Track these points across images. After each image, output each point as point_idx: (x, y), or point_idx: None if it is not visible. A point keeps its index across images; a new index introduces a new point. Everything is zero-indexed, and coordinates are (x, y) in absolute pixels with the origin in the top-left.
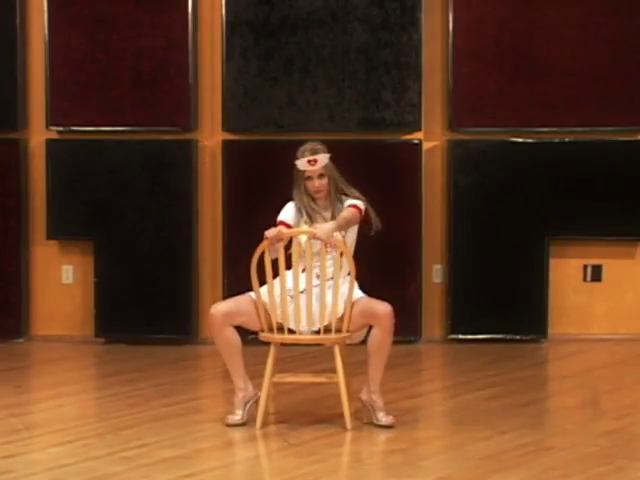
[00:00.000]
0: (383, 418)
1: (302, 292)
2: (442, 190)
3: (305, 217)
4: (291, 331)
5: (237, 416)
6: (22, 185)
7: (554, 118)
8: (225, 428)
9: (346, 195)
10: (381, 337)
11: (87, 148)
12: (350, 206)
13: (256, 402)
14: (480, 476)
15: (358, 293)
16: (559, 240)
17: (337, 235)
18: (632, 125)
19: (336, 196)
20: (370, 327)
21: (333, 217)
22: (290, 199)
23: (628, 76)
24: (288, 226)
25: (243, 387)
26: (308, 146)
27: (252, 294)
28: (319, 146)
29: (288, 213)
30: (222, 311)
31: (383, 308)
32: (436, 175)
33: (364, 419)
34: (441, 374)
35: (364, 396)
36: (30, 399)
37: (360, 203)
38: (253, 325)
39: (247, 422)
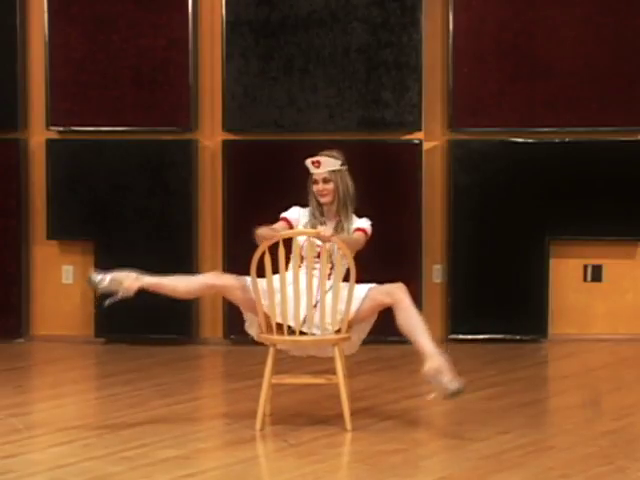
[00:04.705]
0: (455, 382)
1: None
2: (442, 190)
3: (310, 221)
4: (290, 332)
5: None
6: (22, 185)
7: (554, 118)
8: (225, 428)
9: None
10: (403, 307)
11: (87, 148)
12: (359, 229)
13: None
14: (480, 476)
15: (364, 288)
16: (559, 240)
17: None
18: (632, 125)
19: (343, 210)
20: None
21: (336, 230)
22: (284, 204)
23: (628, 76)
24: (289, 224)
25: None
26: (324, 151)
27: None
28: (334, 153)
29: (293, 213)
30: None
31: (394, 284)
32: (436, 175)
33: (432, 396)
34: None
35: (430, 365)
36: (30, 399)
37: (368, 227)
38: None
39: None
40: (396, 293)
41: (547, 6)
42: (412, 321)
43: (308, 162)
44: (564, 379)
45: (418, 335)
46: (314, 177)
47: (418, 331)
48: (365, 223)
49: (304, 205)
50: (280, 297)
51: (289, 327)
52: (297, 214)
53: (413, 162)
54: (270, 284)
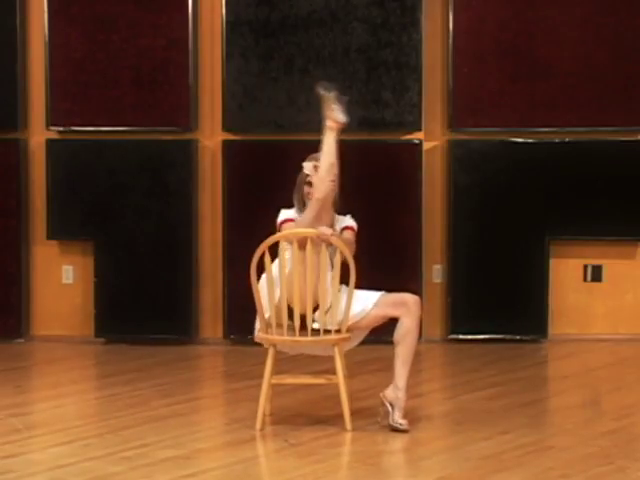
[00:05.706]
0: (399, 420)
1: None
2: (442, 190)
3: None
4: (290, 332)
5: None
6: (22, 185)
7: (554, 118)
8: (225, 428)
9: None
10: (408, 325)
11: (87, 148)
12: (347, 228)
13: None
14: (480, 476)
15: (374, 297)
16: (559, 240)
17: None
18: (632, 125)
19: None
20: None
21: None
22: (284, 204)
23: (628, 76)
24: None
25: None
26: (319, 155)
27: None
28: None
29: (291, 214)
30: None
31: (412, 296)
32: (436, 175)
33: (379, 420)
34: (441, 374)
35: (390, 394)
36: (30, 399)
37: (354, 223)
38: None
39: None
40: (411, 306)
41: (547, 6)
42: (406, 345)
43: (309, 165)
44: (564, 379)
45: (401, 361)
46: (309, 179)
47: (404, 357)
48: (350, 221)
49: (289, 207)
50: (280, 295)
51: (290, 319)
52: (293, 215)
53: (413, 162)
54: (270, 287)
